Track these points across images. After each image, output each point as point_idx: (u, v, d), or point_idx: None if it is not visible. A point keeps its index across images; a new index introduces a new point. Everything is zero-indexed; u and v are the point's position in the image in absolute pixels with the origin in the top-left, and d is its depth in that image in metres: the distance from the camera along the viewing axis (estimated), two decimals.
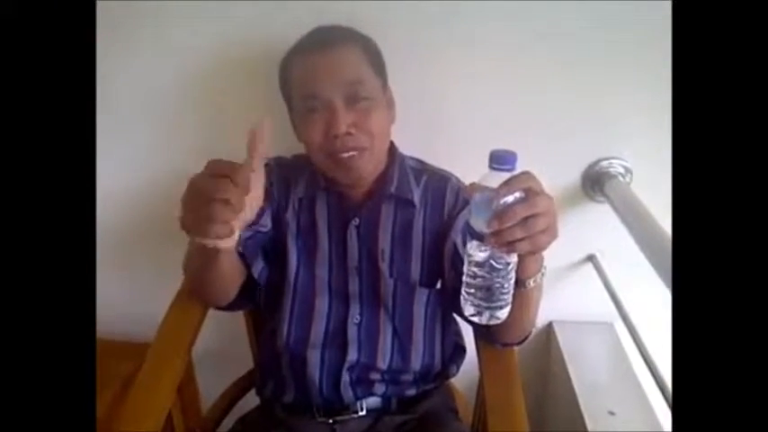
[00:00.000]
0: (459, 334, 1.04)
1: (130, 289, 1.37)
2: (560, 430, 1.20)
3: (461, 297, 0.74)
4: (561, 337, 1.30)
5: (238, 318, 1.16)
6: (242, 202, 0.63)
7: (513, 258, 0.70)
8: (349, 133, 0.85)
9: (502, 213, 0.65)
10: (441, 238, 0.96)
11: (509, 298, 0.72)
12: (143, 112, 1.18)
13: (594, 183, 1.16)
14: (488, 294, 0.71)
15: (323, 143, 0.87)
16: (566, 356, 1.25)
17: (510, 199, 0.66)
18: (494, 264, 0.69)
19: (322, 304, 0.94)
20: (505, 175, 0.66)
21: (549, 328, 1.34)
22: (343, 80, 0.85)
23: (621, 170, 1.13)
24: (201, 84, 1.14)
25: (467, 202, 0.97)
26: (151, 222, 1.28)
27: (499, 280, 0.70)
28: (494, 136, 1.12)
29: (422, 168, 1.01)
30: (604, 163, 1.14)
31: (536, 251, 0.70)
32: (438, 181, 0.99)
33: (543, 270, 0.79)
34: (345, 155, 0.86)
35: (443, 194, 0.98)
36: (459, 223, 0.95)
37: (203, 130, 1.19)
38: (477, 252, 0.69)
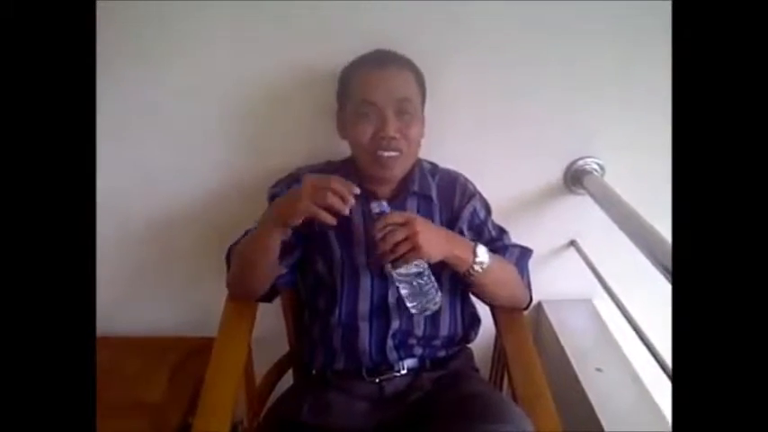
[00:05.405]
0: (474, 307, 1.23)
1: (174, 292, 1.50)
2: (558, 386, 1.40)
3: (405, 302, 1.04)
4: (549, 312, 1.50)
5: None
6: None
7: (416, 268, 1.01)
8: (394, 138, 1.05)
9: (379, 241, 0.97)
10: (451, 227, 1.14)
11: (435, 292, 1.03)
12: (146, 118, 1.28)
13: (574, 178, 1.36)
14: (420, 293, 1.02)
15: (370, 141, 1.06)
16: (555, 328, 1.45)
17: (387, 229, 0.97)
18: (413, 273, 1.01)
19: (366, 284, 1.11)
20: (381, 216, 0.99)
21: (538, 306, 1.53)
22: (397, 96, 1.05)
23: (596, 167, 1.34)
24: (216, 95, 1.26)
25: (472, 196, 1.18)
26: (189, 230, 1.40)
27: (420, 282, 1.01)
28: (489, 140, 1.33)
29: (434, 169, 1.21)
30: (581, 162, 1.34)
31: (408, 261, 0.98)
32: (449, 179, 1.19)
33: (477, 265, 1.05)
34: (387, 154, 1.06)
35: (454, 190, 1.18)
36: (465, 214, 1.16)
37: (210, 137, 1.31)
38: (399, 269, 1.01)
